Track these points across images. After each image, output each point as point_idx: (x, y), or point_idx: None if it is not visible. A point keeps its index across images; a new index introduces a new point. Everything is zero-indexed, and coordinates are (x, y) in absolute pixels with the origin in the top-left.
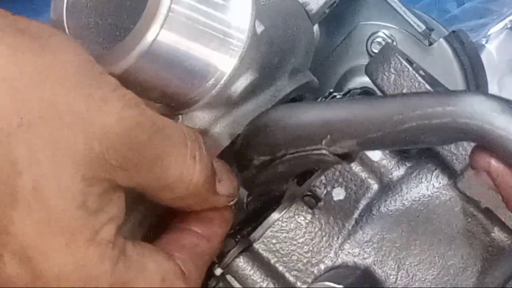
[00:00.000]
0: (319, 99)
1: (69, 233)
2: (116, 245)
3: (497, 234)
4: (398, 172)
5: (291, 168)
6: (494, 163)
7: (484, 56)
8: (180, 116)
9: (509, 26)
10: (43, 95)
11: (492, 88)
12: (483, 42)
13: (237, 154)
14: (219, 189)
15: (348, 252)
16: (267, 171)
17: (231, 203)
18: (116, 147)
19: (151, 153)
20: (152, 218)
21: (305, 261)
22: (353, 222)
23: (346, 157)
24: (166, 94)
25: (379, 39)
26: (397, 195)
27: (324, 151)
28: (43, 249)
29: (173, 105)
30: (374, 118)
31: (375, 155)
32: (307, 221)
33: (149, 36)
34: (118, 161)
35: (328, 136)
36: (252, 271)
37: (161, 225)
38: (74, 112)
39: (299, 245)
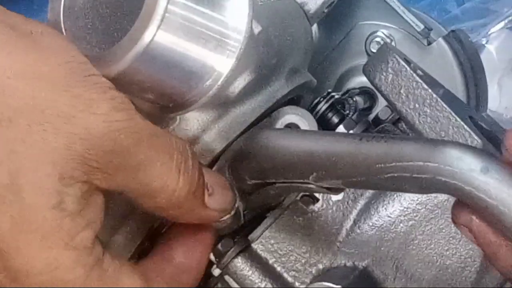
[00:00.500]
0: (318, 99)
1: (43, 233)
2: (93, 253)
3: None
4: None
5: (283, 192)
6: (474, 220)
7: (484, 56)
8: (177, 117)
9: (509, 26)
10: (27, 91)
11: (492, 88)
12: (483, 42)
13: (231, 168)
14: (209, 203)
15: (346, 252)
16: (259, 193)
17: (225, 218)
18: (98, 149)
19: (134, 159)
20: (146, 230)
21: (303, 261)
22: (351, 222)
23: (335, 190)
24: (163, 95)
25: (378, 39)
26: (395, 195)
27: (311, 186)
28: (15, 245)
29: (170, 105)
30: (357, 163)
31: None
32: (305, 221)
33: (146, 37)
34: (99, 163)
35: (314, 174)
36: (250, 272)
37: (155, 238)
38: (58, 110)
39: (297, 245)
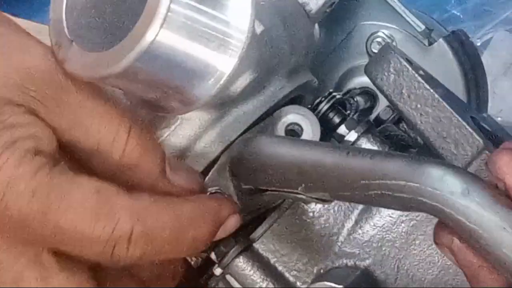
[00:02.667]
0: (319, 100)
1: None
2: (36, 157)
3: None
4: None
5: (275, 199)
6: (456, 241)
7: None
8: (179, 116)
9: (503, 28)
10: None
11: None
12: (478, 44)
13: (229, 170)
14: (172, 178)
15: (348, 252)
16: (254, 198)
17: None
18: (37, 81)
19: (77, 100)
20: None
21: (304, 261)
22: (352, 222)
23: (324, 200)
24: (165, 94)
25: (378, 39)
26: None
27: (300, 196)
28: None
29: (172, 105)
30: (343, 178)
31: None
32: (306, 221)
33: (148, 36)
34: (36, 92)
35: (303, 185)
36: (252, 271)
37: None
38: None
39: (299, 245)
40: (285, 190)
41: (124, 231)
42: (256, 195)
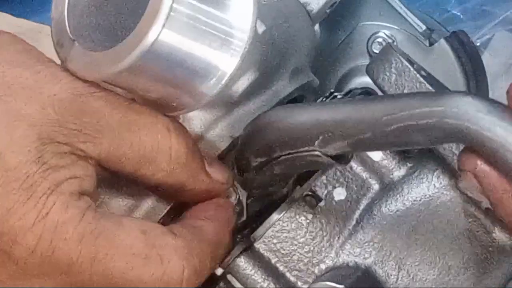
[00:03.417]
0: (320, 99)
1: (28, 187)
2: (81, 199)
3: (498, 234)
4: (399, 172)
5: (287, 170)
6: (480, 165)
7: None
8: (181, 116)
9: (502, 28)
10: None
11: None
12: (478, 44)
13: (236, 155)
14: (211, 171)
15: (349, 252)
16: (264, 172)
17: (227, 188)
18: (70, 111)
19: (112, 119)
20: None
21: (306, 261)
22: (354, 222)
23: (340, 159)
24: (167, 93)
25: (379, 39)
26: (398, 195)
27: (317, 152)
28: (5, 207)
29: (174, 104)
30: (363, 119)
31: (376, 155)
32: (308, 221)
33: (151, 36)
34: (75, 124)
35: (320, 137)
36: (253, 271)
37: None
38: (23, 85)
39: (300, 245)
40: (300, 150)
41: (177, 274)
42: (267, 168)
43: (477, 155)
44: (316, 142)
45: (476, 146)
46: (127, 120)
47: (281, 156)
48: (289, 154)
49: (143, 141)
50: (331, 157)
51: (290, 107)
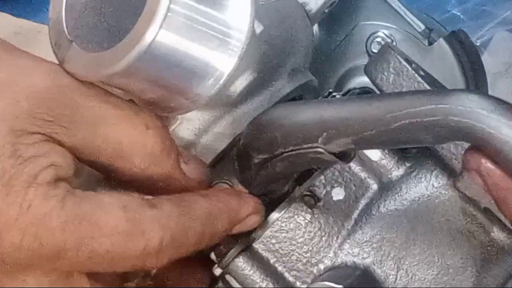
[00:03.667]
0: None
1: (5, 182)
2: (59, 186)
3: (497, 234)
4: (397, 172)
5: (289, 167)
6: (484, 163)
7: None
8: (179, 117)
9: (502, 28)
10: None
11: None
12: (477, 44)
13: (237, 153)
14: (186, 169)
15: (348, 252)
16: (266, 169)
17: (203, 186)
18: (45, 102)
19: (89, 112)
20: None
21: (304, 261)
22: (352, 222)
23: (343, 157)
24: (165, 94)
25: (378, 39)
26: (396, 195)
27: (320, 149)
28: None
29: (172, 105)
30: (367, 116)
31: (374, 155)
32: (306, 221)
33: (148, 37)
34: (50, 115)
35: (324, 134)
36: (251, 271)
37: None
38: None
39: (299, 245)
40: (303, 147)
41: (155, 244)
42: (270, 164)
43: (482, 154)
44: (320, 139)
45: (480, 145)
46: (104, 113)
47: (283, 153)
48: (292, 150)
49: (118, 135)
50: (334, 154)
51: (293, 104)
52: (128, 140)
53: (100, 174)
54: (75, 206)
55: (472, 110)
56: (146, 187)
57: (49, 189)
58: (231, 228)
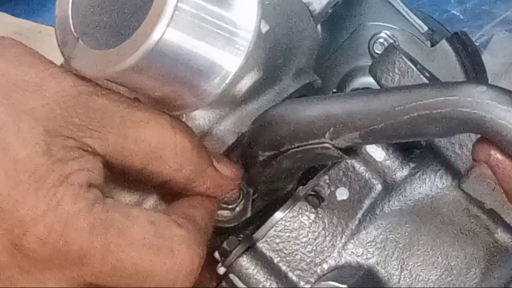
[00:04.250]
0: None
1: (37, 178)
2: (90, 191)
3: (501, 235)
4: (401, 172)
5: (295, 163)
6: (494, 154)
7: None
8: (184, 115)
9: (501, 29)
10: None
11: None
12: (477, 44)
13: (242, 152)
14: (219, 167)
15: (352, 252)
16: (272, 166)
17: (238, 183)
18: (75, 107)
19: (117, 116)
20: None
21: (308, 260)
22: (356, 222)
23: (350, 152)
24: (170, 92)
25: (381, 40)
26: (400, 196)
27: (327, 145)
28: (15, 198)
29: (178, 103)
30: (376, 110)
31: (378, 155)
32: (310, 220)
33: (155, 35)
34: (80, 120)
35: (331, 129)
36: (255, 271)
37: None
38: (28, 82)
39: (303, 244)
40: (310, 143)
41: (187, 263)
42: (275, 161)
43: (491, 145)
44: (327, 134)
45: (490, 136)
46: (131, 117)
47: (290, 149)
48: (298, 147)
49: (148, 137)
50: (341, 150)
51: (299, 100)
52: (157, 141)
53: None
54: (104, 212)
55: (482, 101)
56: (182, 188)
57: (80, 191)
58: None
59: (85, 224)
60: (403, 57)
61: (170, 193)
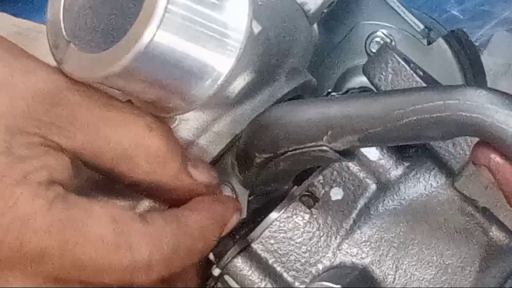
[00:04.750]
0: None
1: None
2: (51, 188)
3: (495, 233)
4: (396, 171)
5: (292, 166)
6: (494, 158)
7: None
8: (177, 117)
9: (501, 28)
10: None
11: None
12: (477, 44)
13: (238, 154)
14: (194, 173)
15: (346, 252)
16: (268, 168)
17: (212, 190)
18: (43, 103)
19: (90, 114)
20: None
21: (303, 261)
22: (351, 222)
23: (347, 154)
24: (163, 95)
25: (377, 39)
26: (395, 195)
27: (325, 147)
28: None
29: (170, 106)
30: (375, 113)
31: (373, 155)
32: (305, 221)
33: (145, 37)
34: (48, 117)
35: (329, 132)
36: (250, 272)
37: None
38: None
39: (297, 245)
40: (308, 146)
41: (143, 260)
42: (272, 163)
43: (491, 149)
44: (325, 137)
45: (490, 140)
46: (106, 115)
47: (287, 151)
48: (295, 149)
49: (121, 137)
50: (338, 152)
51: (296, 103)
52: (131, 142)
53: (101, 177)
54: (62, 210)
55: (482, 105)
56: (153, 191)
57: (39, 190)
58: (220, 234)
59: (42, 223)
60: (396, 56)
61: (146, 194)
